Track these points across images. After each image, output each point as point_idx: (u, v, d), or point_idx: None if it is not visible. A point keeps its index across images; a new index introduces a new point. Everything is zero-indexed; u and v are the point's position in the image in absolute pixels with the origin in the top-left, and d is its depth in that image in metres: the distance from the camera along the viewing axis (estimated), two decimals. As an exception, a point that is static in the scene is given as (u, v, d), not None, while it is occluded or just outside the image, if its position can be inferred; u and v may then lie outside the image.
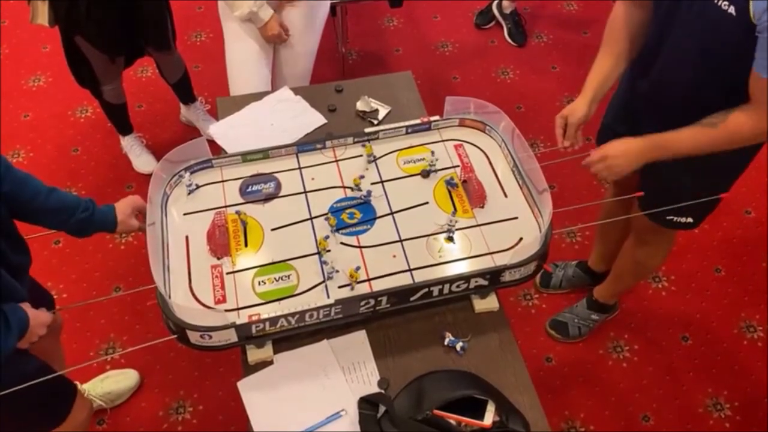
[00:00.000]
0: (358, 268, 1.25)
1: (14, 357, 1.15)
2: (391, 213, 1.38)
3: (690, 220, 1.59)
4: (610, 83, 1.46)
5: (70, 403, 1.47)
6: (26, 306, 1.18)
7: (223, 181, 1.43)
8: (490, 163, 1.48)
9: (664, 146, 1.32)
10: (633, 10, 1.41)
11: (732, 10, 1.14)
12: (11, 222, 1.24)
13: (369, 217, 1.37)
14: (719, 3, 1.16)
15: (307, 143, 1.49)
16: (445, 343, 1.27)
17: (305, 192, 1.41)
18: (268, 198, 1.40)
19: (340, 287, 1.24)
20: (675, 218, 1.59)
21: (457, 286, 1.24)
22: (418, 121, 1.53)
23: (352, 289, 1.24)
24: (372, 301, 1.20)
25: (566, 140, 1.47)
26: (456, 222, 1.33)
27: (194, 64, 2.95)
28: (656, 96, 1.43)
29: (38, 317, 1.19)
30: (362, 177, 1.42)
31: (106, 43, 2.08)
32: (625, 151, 1.35)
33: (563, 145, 1.48)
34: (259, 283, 1.25)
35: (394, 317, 1.30)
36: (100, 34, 2.03)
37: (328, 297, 1.23)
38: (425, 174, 1.44)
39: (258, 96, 1.76)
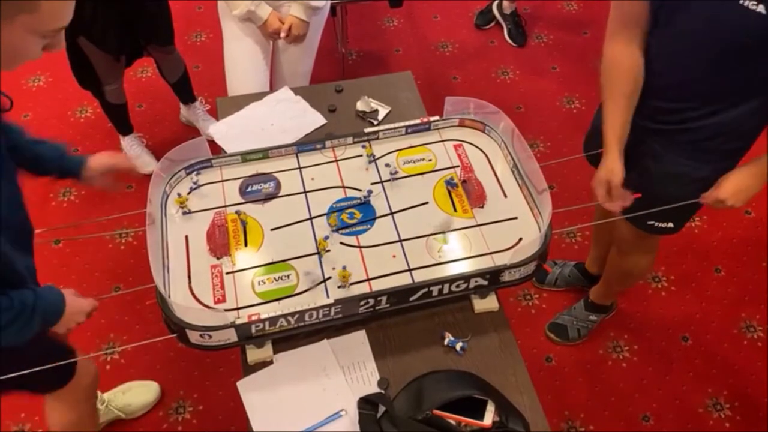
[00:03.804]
0: (344, 267, 1.25)
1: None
2: (391, 213, 1.38)
3: (671, 225, 1.59)
4: (629, 128, 1.40)
5: (72, 365, 1.43)
6: (69, 292, 1.18)
7: (222, 181, 1.43)
8: (490, 164, 1.48)
9: None
10: (634, 50, 1.34)
11: (762, 8, 1.12)
12: None
13: (369, 217, 1.37)
14: (745, 3, 1.13)
15: (307, 143, 1.49)
16: (445, 343, 1.27)
17: (305, 192, 1.41)
18: (268, 198, 1.40)
19: (339, 287, 1.24)
20: (656, 223, 1.58)
21: (457, 286, 1.24)
22: (417, 121, 1.53)
23: (347, 288, 1.24)
24: (372, 301, 1.20)
25: (615, 202, 1.41)
26: (452, 223, 1.33)
27: (194, 64, 2.95)
28: (666, 104, 1.40)
29: (77, 304, 1.19)
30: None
31: (110, 43, 2.08)
32: (738, 189, 1.36)
33: (617, 209, 1.43)
34: (259, 283, 1.25)
35: (394, 317, 1.30)
36: (104, 33, 2.04)
37: (328, 297, 1.23)
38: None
39: (258, 96, 1.76)
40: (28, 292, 1.11)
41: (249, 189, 1.42)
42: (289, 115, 1.70)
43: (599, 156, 1.43)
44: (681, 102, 1.37)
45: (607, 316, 2.18)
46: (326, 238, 1.31)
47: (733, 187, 1.37)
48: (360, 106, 1.70)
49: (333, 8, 2.46)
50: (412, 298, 1.24)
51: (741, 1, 1.14)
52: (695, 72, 1.30)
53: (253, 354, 1.23)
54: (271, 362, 1.24)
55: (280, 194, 1.41)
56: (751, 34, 1.17)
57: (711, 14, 1.20)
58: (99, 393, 1.86)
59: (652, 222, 1.58)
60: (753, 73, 1.24)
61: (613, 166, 1.39)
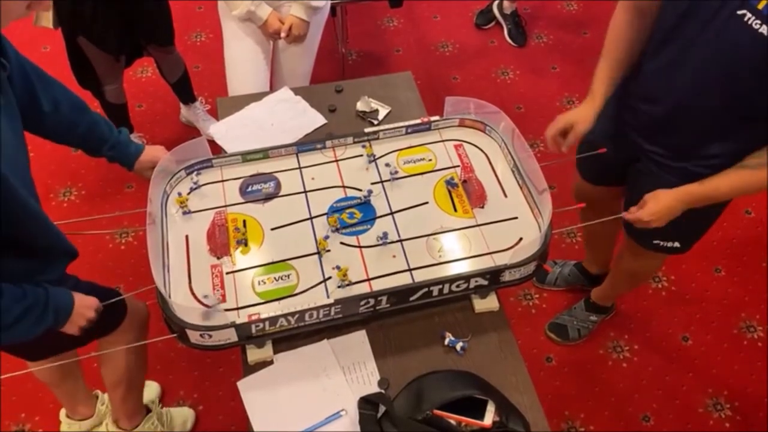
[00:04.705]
0: (337, 267, 1.25)
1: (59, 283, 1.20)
2: (391, 213, 1.38)
3: (677, 244, 1.58)
4: (613, 90, 1.43)
5: (122, 311, 1.46)
6: (75, 293, 1.20)
7: (223, 181, 1.43)
8: (490, 163, 1.48)
9: (704, 197, 1.33)
10: (635, 17, 1.37)
11: (765, 30, 1.10)
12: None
13: (369, 217, 1.37)
14: (750, 22, 1.12)
15: (307, 143, 1.49)
16: (445, 343, 1.27)
17: (305, 192, 1.41)
18: (268, 198, 1.40)
19: (339, 287, 1.24)
20: (661, 242, 1.58)
21: (457, 286, 1.24)
22: (418, 121, 1.53)
23: (344, 287, 1.24)
24: (372, 301, 1.20)
25: (565, 146, 1.42)
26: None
27: (194, 64, 2.95)
28: (665, 120, 1.39)
29: (85, 300, 1.21)
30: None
31: (110, 43, 2.08)
32: (663, 213, 1.35)
33: (561, 150, 1.43)
34: (259, 283, 1.25)
35: (394, 317, 1.30)
36: (104, 34, 2.04)
37: (328, 297, 1.23)
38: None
39: (258, 96, 1.76)
40: (40, 288, 1.12)
41: (249, 189, 1.42)
42: (290, 115, 1.70)
43: (588, 160, 1.43)
44: (680, 130, 1.37)
45: (607, 316, 2.18)
46: (326, 237, 1.31)
47: (658, 210, 1.35)
48: (360, 106, 1.70)
49: (333, 8, 2.46)
50: (412, 298, 1.24)
51: (745, 19, 1.12)
52: (695, 99, 1.29)
53: (254, 354, 1.23)
54: (271, 362, 1.24)
55: (281, 194, 1.41)
56: (754, 55, 1.14)
57: (715, 32, 1.18)
58: (99, 393, 1.86)
59: (657, 241, 1.57)
60: (752, 102, 1.22)
61: (587, 114, 1.38)
